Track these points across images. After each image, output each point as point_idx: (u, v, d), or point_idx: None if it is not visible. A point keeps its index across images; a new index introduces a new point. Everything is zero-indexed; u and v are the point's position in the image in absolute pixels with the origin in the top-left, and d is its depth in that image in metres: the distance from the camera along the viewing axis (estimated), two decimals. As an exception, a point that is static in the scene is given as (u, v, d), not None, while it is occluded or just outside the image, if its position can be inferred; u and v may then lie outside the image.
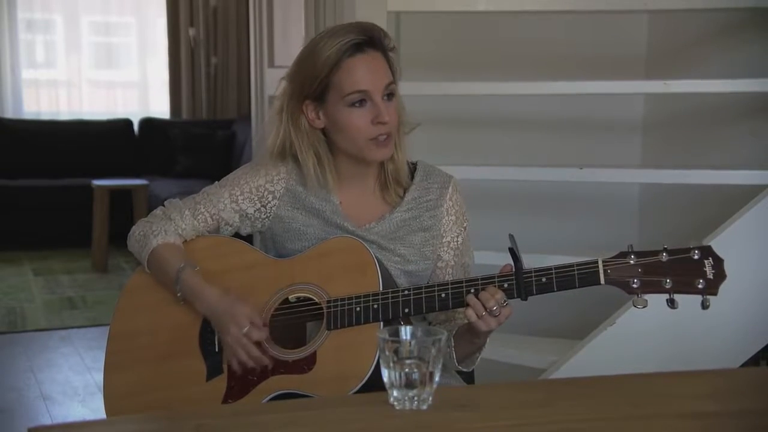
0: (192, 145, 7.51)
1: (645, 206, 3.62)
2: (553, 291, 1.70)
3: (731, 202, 2.74)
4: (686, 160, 3.32)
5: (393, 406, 1.40)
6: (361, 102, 1.82)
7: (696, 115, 3.36)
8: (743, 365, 2.64)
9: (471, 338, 1.82)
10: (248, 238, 2.03)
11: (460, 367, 1.89)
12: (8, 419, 3.66)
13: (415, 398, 1.38)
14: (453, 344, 1.86)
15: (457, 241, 1.97)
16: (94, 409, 3.70)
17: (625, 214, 3.62)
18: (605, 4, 3.05)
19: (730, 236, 2.58)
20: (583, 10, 3.17)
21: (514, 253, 1.69)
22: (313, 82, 1.83)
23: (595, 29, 3.47)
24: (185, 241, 1.95)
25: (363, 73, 1.81)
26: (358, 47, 1.81)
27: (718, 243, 2.53)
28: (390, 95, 1.85)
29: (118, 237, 6.07)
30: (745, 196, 2.69)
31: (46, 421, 3.61)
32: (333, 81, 1.82)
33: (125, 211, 6.34)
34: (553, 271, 1.69)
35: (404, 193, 1.94)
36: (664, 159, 3.48)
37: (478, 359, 1.91)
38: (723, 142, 3.25)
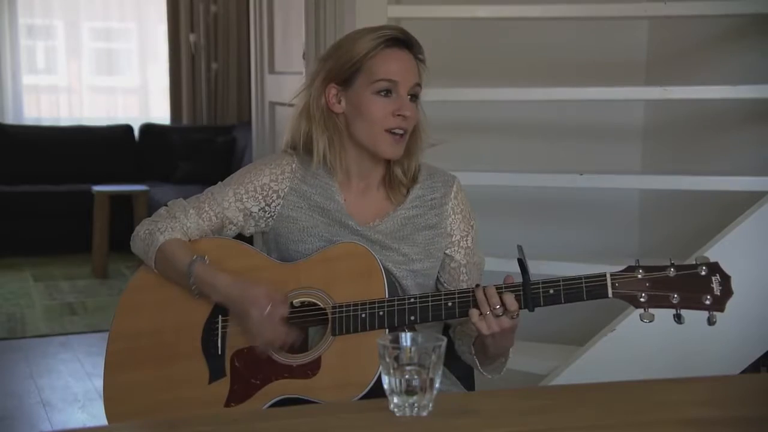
0: (192, 150, 7.51)
1: (645, 212, 3.62)
2: (561, 303, 1.70)
3: (732, 209, 2.74)
4: (686, 166, 3.32)
5: (393, 412, 1.40)
6: (387, 92, 1.86)
7: (696, 122, 3.36)
8: (744, 371, 2.64)
9: (485, 351, 1.82)
10: (250, 240, 2.02)
11: (486, 374, 1.90)
12: (8, 426, 3.66)
13: (416, 405, 1.38)
14: (473, 351, 1.87)
15: (467, 241, 1.98)
16: (94, 415, 3.70)
17: (625, 220, 3.62)
18: (605, 10, 3.05)
19: (731, 242, 2.58)
20: (583, 17, 3.17)
21: (522, 264, 1.69)
22: (345, 65, 1.87)
23: (595, 35, 3.48)
24: (189, 240, 1.94)
25: (396, 65, 1.86)
26: (397, 42, 1.87)
27: (719, 249, 2.54)
28: (414, 96, 1.89)
29: (119, 243, 6.12)
30: (746, 202, 2.69)
31: (46, 427, 3.61)
32: (365, 66, 1.86)
33: (126, 216, 6.34)
34: (561, 283, 1.70)
35: (407, 192, 1.96)
36: (664, 165, 3.48)
37: (504, 368, 1.91)
38: (723, 148, 3.26)
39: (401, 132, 1.87)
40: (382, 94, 1.86)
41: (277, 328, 1.77)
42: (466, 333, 1.91)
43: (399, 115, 1.85)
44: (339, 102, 1.90)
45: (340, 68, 1.88)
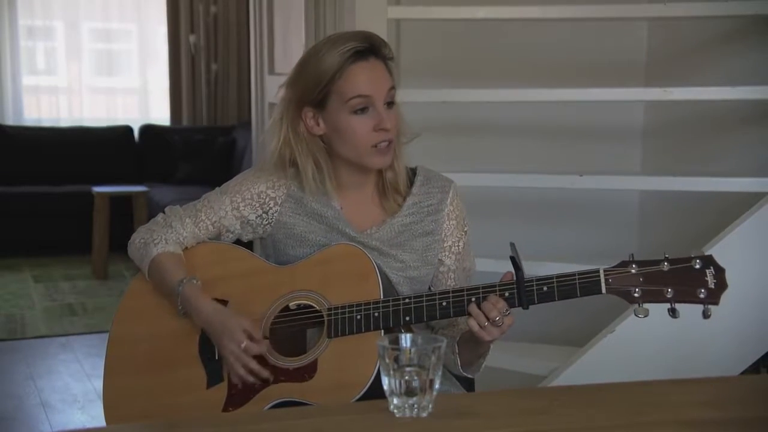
0: (192, 151, 7.51)
1: (645, 213, 3.62)
2: (554, 300, 1.70)
3: (731, 210, 2.74)
4: (686, 167, 3.32)
5: (393, 413, 1.40)
6: (363, 109, 1.83)
7: (696, 123, 3.36)
8: (743, 373, 2.64)
9: (474, 347, 1.82)
10: (249, 245, 2.02)
11: (464, 373, 1.90)
12: (8, 427, 3.66)
13: (415, 406, 1.38)
14: (457, 351, 1.86)
15: (459, 246, 1.97)
16: (94, 416, 3.70)
17: (625, 222, 3.62)
18: (605, 11, 3.05)
19: (730, 243, 2.58)
20: (583, 17, 3.17)
21: (515, 261, 1.69)
22: (314, 89, 1.84)
23: (594, 36, 3.48)
24: (186, 247, 1.94)
25: (365, 79, 1.82)
26: (360, 54, 1.82)
27: (718, 250, 2.54)
28: (391, 103, 1.86)
29: (119, 244, 6.07)
30: (745, 203, 2.69)
31: (46, 428, 3.61)
32: (335, 87, 1.83)
33: (125, 217, 6.34)
34: (555, 280, 1.69)
35: (403, 199, 1.95)
36: (663, 166, 3.48)
37: (483, 366, 1.91)
38: (723, 150, 3.26)
39: (386, 143, 1.86)
40: (359, 111, 1.83)
41: (249, 364, 1.77)
42: (449, 336, 1.90)
43: (381, 129, 1.83)
44: (318, 124, 1.87)
45: (310, 92, 1.84)
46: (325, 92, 1.84)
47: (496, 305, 1.70)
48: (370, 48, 1.84)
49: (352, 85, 1.82)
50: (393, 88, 1.86)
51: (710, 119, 3.30)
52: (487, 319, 1.70)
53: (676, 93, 2.86)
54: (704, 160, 3.30)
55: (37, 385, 4.09)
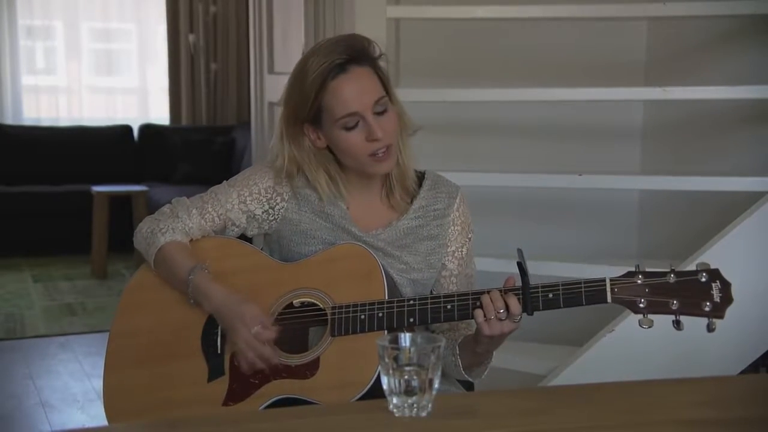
0: (191, 151, 7.51)
1: (644, 213, 3.62)
2: (560, 307, 1.70)
3: (731, 209, 2.74)
4: (685, 166, 3.32)
5: (392, 413, 1.40)
6: (354, 123, 1.83)
7: (695, 122, 3.36)
8: (743, 372, 2.64)
9: (473, 347, 1.82)
10: (251, 241, 2.02)
11: (467, 377, 1.90)
12: (7, 426, 3.66)
13: (415, 405, 1.38)
14: (458, 352, 1.86)
15: (462, 252, 1.98)
16: (94, 415, 3.70)
17: (624, 221, 3.62)
18: (605, 10, 3.05)
19: (730, 243, 2.58)
20: (583, 17, 3.17)
21: (522, 267, 1.69)
22: (304, 106, 1.85)
23: (594, 36, 3.48)
24: (191, 240, 1.95)
25: (349, 95, 1.82)
26: (341, 67, 1.82)
27: (718, 250, 2.54)
28: (382, 110, 1.85)
29: (118, 243, 6.13)
30: (745, 202, 2.69)
31: (46, 428, 3.60)
32: (323, 104, 1.84)
33: (125, 217, 6.34)
34: (560, 287, 1.70)
35: (411, 200, 1.96)
36: (663, 166, 3.48)
37: (486, 372, 1.91)
38: (722, 149, 3.26)
39: (383, 150, 1.86)
40: (350, 127, 1.83)
41: (260, 350, 1.77)
42: (449, 338, 1.90)
43: (373, 140, 1.83)
44: (319, 138, 1.89)
45: (302, 110, 1.86)
46: (315, 108, 1.85)
47: (503, 296, 1.70)
48: (350, 58, 1.83)
49: (337, 103, 1.82)
50: (383, 97, 1.85)
51: (710, 119, 3.30)
52: (494, 308, 1.70)
53: (675, 93, 2.86)
54: (704, 160, 3.30)
55: (37, 385, 4.09)
